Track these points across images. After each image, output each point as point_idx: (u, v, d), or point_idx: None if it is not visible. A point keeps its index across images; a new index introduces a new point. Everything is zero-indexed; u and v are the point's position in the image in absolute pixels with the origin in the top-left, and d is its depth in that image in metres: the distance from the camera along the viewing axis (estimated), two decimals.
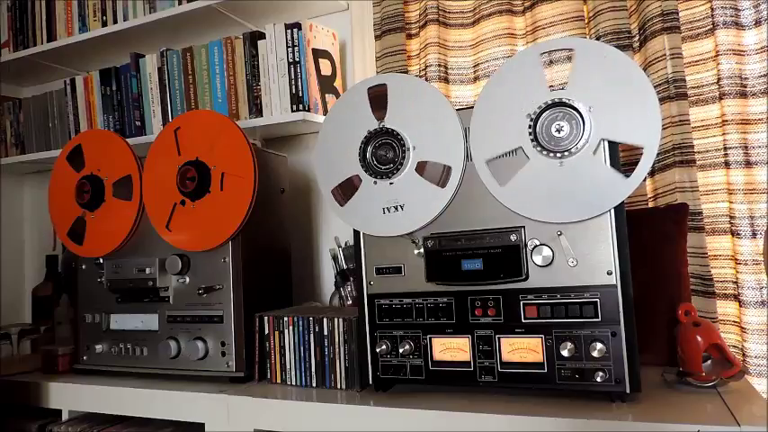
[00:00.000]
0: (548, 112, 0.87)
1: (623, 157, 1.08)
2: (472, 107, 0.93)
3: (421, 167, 0.96)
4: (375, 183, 0.98)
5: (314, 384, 1.07)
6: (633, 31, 1.29)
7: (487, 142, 0.91)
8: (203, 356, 1.15)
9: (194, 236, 1.16)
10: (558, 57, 1.33)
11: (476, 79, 1.45)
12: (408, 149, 0.96)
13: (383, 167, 0.98)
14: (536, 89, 0.88)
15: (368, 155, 0.99)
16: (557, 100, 0.86)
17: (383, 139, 0.98)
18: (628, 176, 0.83)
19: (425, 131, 0.96)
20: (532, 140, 0.87)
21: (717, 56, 1.22)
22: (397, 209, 0.97)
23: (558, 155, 0.86)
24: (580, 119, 0.85)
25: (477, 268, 0.93)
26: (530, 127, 0.87)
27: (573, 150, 0.85)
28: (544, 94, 0.87)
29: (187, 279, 1.19)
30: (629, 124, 0.83)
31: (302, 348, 1.08)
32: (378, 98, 0.99)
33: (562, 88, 0.87)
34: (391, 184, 0.97)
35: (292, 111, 1.42)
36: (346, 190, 1.01)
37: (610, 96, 0.84)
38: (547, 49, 0.93)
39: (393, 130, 0.97)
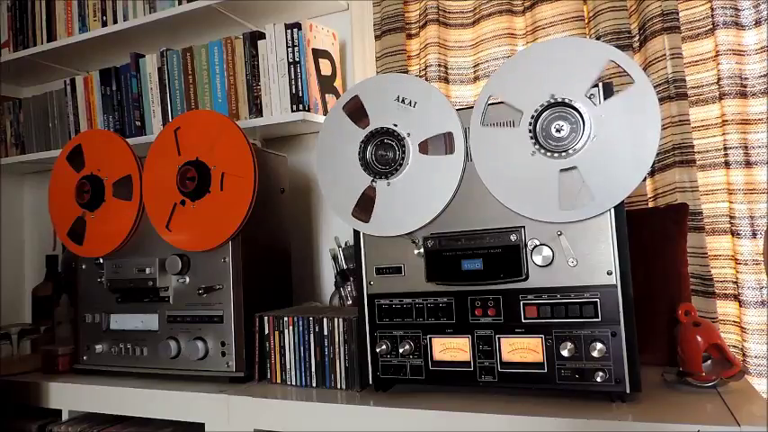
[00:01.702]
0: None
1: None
2: (472, 107, 0.93)
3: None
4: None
5: (314, 384, 1.07)
6: (633, 31, 1.29)
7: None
8: (203, 356, 1.15)
9: (194, 236, 1.16)
10: None
11: (476, 79, 1.45)
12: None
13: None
14: (575, 81, 0.86)
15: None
16: (578, 105, 0.85)
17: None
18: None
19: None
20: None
21: (717, 56, 1.22)
22: (409, 104, 0.96)
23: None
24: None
25: (477, 268, 0.93)
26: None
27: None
28: (578, 92, 0.86)
29: (187, 279, 1.19)
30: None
31: (302, 348, 1.08)
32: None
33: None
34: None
35: (292, 111, 1.42)
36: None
37: (619, 137, 0.84)
38: (615, 59, 0.87)
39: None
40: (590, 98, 0.85)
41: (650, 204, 1.27)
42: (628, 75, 0.84)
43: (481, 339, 0.93)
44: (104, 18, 1.68)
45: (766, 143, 1.19)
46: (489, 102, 0.92)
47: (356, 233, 1.03)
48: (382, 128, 0.98)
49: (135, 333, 1.23)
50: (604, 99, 0.85)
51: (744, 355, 1.18)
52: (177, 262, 1.17)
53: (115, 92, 1.69)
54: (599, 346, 0.84)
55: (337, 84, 1.54)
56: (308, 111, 1.42)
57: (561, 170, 0.86)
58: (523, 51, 0.95)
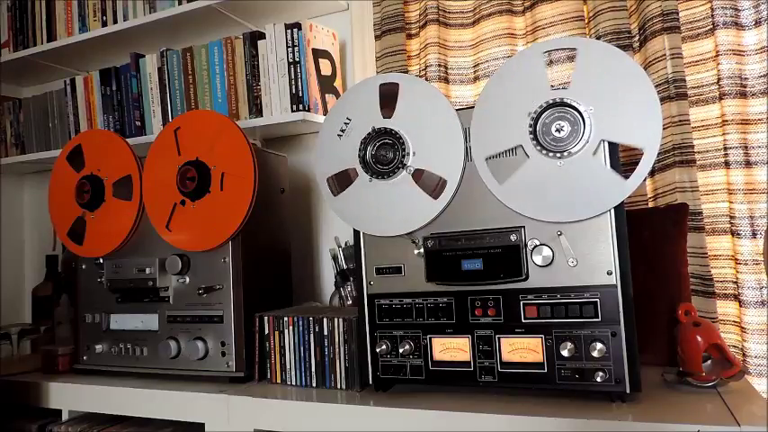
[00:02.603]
0: (549, 111, 0.87)
1: (623, 157, 1.08)
2: (472, 107, 0.93)
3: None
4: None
5: (314, 384, 1.07)
6: (633, 31, 1.29)
7: (488, 140, 0.91)
8: (203, 356, 1.15)
9: (194, 236, 1.16)
10: (558, 57, 1.33)
11: (476, 79, 1.45)
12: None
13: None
14: (538, 88, 0.88)
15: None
16: (558, 100, 0.86)
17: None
18: (627, 177, 0.83)
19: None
20: (532, 139, 0.87)
21: (717, 56, 1.22)
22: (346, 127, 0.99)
23: (558, 155, 0.86)
24: (581, 119, 0.85)
25: (477, 268, 0.93)
26: (530, 126, 0.87)
27: (572, 151, 0.85)
28: (546, 93, 0.87)
29: (187, 279, 1.19)
30: (629, 126, 0.83)
31: (302, 348, 1.08)
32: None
33: (564, 88, 0.87)
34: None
35: (292, 111, 1.42)
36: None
37: (611, 97, 0.84)
38: (549, 48, 0.92)
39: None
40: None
41: (650, 204, 1.27)
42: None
43: (481, 339, 0.93)
44: (104, 18, 1.68)
45: (766, 143, 1.19)
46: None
47: (356, 233, 1.03)
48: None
49: (135, 333, 1.23)
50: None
51: (744, 355, 1.18)
52: (177, 262, 1.17)
53: (115, 92, 1.69)
54: (599, 346, 0.84)
55: (337, 84, 1.54)
56: (308, 111, 1.42)
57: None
58: (480, 102, 0.94)
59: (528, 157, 0.88)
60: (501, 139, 0.90)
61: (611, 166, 0.85)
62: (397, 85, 0.98)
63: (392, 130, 0.97)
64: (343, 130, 1.00)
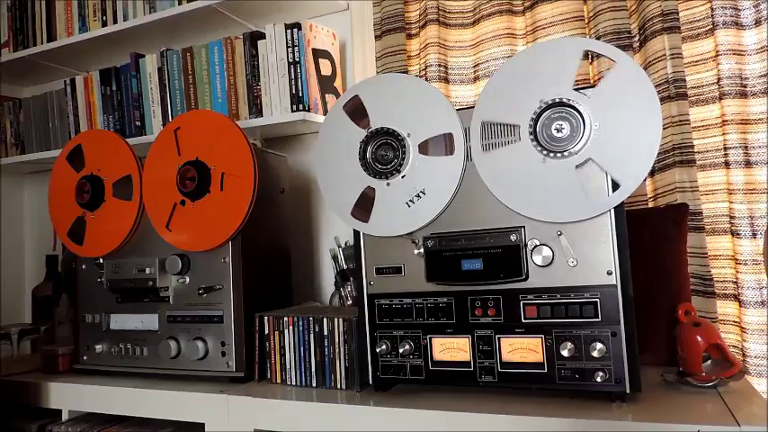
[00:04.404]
0: (558, 107, 0.86)
1: None
2: (472, 107, 0.93)
3: (424, 148, 0.96)
4: (388, 185, 0.98)
5: (314, 384, 1.07)
6: (633, 31, 1.29)
7: (494, 105, 0.91)
8: (203, 356, 1.15)
9: (194, 236, 1.16)
10: None
11: (476, 79, 1.45)
12: (404, 139, 0.96)
13: (388, 167, 0.98)
14: (561, 81, 0.86)
15: (368, 155, 0.99)
16: (572, 101, 0.85)
17: (379, 140, 0.98)
18: (592, 202, 0.84)
19: (413, 116, 0.96)
20: (531, 126, 0.87)
21: (717, 56, 1.22)
22: (419, 196, 0.96)
23: (545, 152, 0.86)
24: (582, 130, 0.85)
25: (477, 268, 0.93)
26: (536, 113, 0.87)
27: (559, 155, 0.85)
28: (566, 89, 0.86)
29: (187, 279, 1.19)
30: (621, 157, 0.83)
31: (302, 348, 1.08)
32: (356, 109, 1.00)
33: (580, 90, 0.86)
34: (403, 177, 0.97)
35: (292, 111, 1.42)
36: (364, 205, 0.99)
37: (620, 124, 0.83)
38: (591, 48, 0.90)
39: (385, 129, 0.97)
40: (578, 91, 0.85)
41: (650, 204, 1.27)
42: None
43: (481, 339, 0.93)
44: (104, 18, 1.68)
45: (766, 143, 1.19)
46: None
47: (356, 233, 1.03)
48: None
49: (135, 333, 1.23)
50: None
51: (744, 355, 1.18)
52: (177, 262, 1.17)
53: (115, 92, 1.69)
54: (599, 346, 0.84)
55: (337, 84, 1.54)
56: (308, 111, 1.42)
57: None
58: (504, 67, 0.94)
59: (519, 140, 0.88)
60: (505, 110, 0.90)
61: (611, 183, 0.84)
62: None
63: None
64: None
